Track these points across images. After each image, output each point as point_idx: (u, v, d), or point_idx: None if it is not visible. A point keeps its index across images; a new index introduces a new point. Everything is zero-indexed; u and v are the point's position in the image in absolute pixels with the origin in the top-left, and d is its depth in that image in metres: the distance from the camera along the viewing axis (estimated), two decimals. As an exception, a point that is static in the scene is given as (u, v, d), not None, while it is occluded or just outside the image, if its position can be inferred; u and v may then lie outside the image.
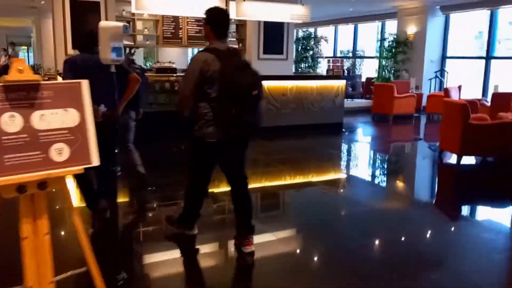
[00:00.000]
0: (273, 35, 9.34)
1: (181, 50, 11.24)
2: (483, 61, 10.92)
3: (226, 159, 3.07)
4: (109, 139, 3.51)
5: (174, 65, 7.57)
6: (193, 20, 9.07)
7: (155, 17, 8.88)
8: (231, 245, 3.23)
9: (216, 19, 2.92)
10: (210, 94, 2.83)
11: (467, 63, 12.21)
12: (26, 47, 21.13)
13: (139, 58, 11.40)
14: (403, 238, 3.62)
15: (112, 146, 3.76)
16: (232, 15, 7.74)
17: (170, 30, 9.08)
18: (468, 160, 6.20)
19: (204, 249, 3.35)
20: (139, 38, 9.09)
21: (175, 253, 3.28)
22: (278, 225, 3.84)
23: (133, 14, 8.31)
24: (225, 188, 3.78)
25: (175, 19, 8.98)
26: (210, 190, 3.86)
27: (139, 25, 9.04)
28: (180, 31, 9.13)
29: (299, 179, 5.37)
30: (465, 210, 4.61)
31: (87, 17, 7.53)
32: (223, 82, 2.75)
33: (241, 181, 3.10)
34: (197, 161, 3.10)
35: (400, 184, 5.61)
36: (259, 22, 9.00)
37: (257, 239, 3.20)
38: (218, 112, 2.82)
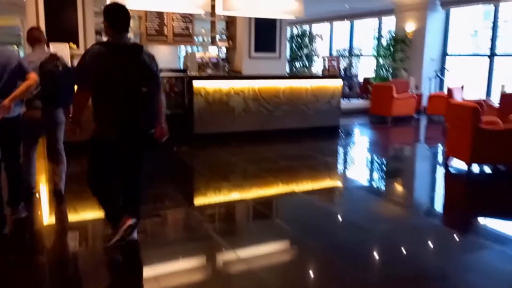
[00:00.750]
0: (265, 33, 8.74)
1: (170, 48, 10.62)
2: (482, 59, 10.40)
3: (119, 156, 3.06)
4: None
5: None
6: (179, 16, 8.47)
7: (138, 13, 8.27)
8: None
9: (112, 15, 2.92)
10: (99, 89, 2.85)
11: (467, 62, 11.72)
12: (16, 46, 20.51)
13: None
14: (410, 253, 3.06)
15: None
16: (219, 11, 7.17)
17: (154, 27, 8.48)
18: (478, 168, 5.65)
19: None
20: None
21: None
22: (267, 237, 3.42)
23: (114, 10, 7.69)
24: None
25: (160, 15, 8.37)
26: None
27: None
28: (165, 27, 8.53)
29: (291, 189, 4.79)
30: (479, 223, 4.06)
31: (63, 12, 6.96)
32: (111, 77, 2.78)
33: (135, 171, 3.15)
34: (96, 157, 3.06)
35: (405, 195, 5.04)
36: (250, 18, 8.41)
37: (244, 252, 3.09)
38: (100, 109, 2.88)
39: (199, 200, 4.70)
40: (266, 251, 3.33)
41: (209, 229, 3.76)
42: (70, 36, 6.88)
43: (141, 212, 3.23)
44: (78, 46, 6.98)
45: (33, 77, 3.46)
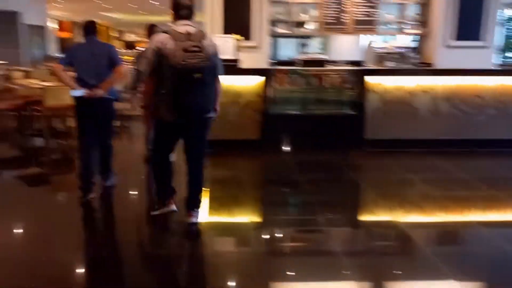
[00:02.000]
0: (469, 16, 6.93)
1: (350, 38, 9.61)
2: None
3: (182, 137, 3.31)
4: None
5: (324, 56, 6.07)
6: (360, 1, 7.34)
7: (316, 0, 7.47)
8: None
9: (176, 3, 3.13)
10: (160, 74, 3.03)
11: None
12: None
13: (313, 49, 10.14)
14: None
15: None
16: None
17: (332, 14, 7.56)
18: None
19: None
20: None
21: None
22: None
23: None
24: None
25: (338, 0, 7.41)
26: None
27: (297, 10, 7.76)
28: (345, 14, 7.52)
29: (499, 245, 3.34)
30: None
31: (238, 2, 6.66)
32: (171, 63, 2.93)
33: (196, 160, 3.38)
34: (158, 137, 3.38)
35: None
36: (452, -1, 6.74)
37: None
38: (161, 92, 3.06)
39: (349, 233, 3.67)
40: None
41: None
42: (242, 27, 6.55)
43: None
44: (249, 37, 6.60)
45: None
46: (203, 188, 3.45)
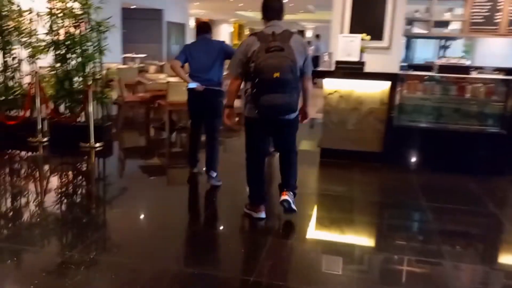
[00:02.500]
0: None
1: (504, 41, 8.26)
2: None
3: (271, 134, 3.42)
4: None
5: (467, 62, 5.18)
6: (521, -3, 6.15)
7: (463, -4, 6.48)
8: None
9: (264, 5, 3.25)
10: (249, 74, 3.14)
11: None
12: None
13: (455, 52, 8.95)
14: None
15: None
16: None
17: (482, 12, 6.49)
18: None
19: None
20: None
21: None
22: None
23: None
24: None
25: (492, -4, 6.32)
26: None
27: (440, 8, 6.83)
28: (498, 13, 6.39)
29: None
30: None
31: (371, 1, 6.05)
32: (254, 63, 3.01)
33: (287, 154, 3.47)
34: (249, 136, 3.44)
35: None
36: None
37: None
38: (248, 93, 3.22)
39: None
40: None
41: None
42: (372, 26, 5.94)
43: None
44: (379, 37, 5.95)
45: None
46: (296, 176, 3.50)
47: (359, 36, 5.18)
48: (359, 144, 5.13)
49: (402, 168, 5.06)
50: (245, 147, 3.44)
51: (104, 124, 5.95)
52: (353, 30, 5.71)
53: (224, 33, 26.11)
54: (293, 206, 3.38)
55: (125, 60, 11.78)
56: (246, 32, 28.92)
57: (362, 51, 5.12)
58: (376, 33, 5.80)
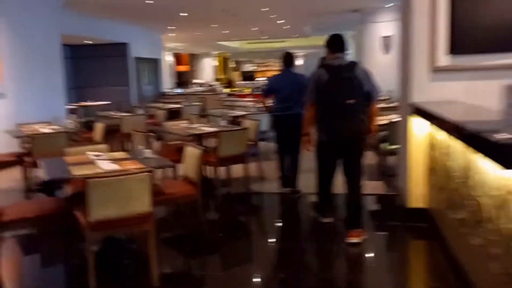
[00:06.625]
0: None
1: None
2: None
3: (339, 156, 3.55)
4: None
5: None
6: None
7: None
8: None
9: (330, 41, 3.55)
10: (317, 103, 3.46)
11: None
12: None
13: None
14: None
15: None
16: None
17: None
18: None
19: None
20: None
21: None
22: None
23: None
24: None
25: None
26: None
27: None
28: None
29: None
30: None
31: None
32: (324, 91, 3.37)
33: (353, 179, 3.52)
34: (319, 158, 3.67)
35: None
36: None
37: None
38: (318, 118, 3.49)
39: None
40: None
41: None
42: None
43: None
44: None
45: None
46: (361, 207, 3.60)
47: None
48: None
49: None
50: (317, 171, 3.69)
51: None
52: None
53: (207, 67, 23.43)
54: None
55: (72, 112, 8.89)
56: (232, 64, 26.25)
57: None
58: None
